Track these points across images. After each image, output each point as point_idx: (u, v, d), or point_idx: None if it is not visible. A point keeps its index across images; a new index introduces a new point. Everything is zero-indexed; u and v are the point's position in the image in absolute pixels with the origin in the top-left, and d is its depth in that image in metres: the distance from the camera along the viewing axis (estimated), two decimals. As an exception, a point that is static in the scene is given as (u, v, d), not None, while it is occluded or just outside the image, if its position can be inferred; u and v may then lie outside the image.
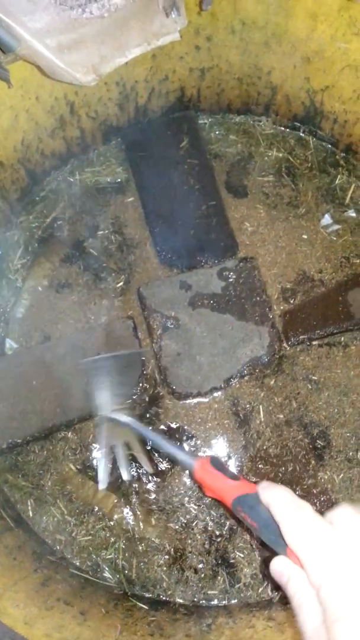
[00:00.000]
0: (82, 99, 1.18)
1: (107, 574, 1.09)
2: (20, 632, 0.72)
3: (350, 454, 1.15)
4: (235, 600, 1.07)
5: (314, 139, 1.37)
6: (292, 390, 1.19)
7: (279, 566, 0.52)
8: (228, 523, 1.11)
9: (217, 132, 1.39)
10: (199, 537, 1.10)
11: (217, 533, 1.10)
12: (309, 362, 1.21)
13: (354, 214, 1.33)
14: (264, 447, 1.15)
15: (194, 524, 1.11)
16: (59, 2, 0.80)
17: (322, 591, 0.46)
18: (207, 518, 1.11)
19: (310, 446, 1.15)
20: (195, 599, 1.07)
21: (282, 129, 1.38)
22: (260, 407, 1.18)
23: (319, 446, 1.15)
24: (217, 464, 0.68)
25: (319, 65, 1.15)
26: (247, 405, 1.18)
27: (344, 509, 0.50)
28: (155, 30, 0.84)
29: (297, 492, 1.12)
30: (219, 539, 1.10)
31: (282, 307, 1.27)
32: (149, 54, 1.16)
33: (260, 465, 1.15)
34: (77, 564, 1.09)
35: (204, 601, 1.07)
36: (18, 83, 1.03)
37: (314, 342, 1.24)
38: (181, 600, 1.07)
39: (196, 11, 1.06)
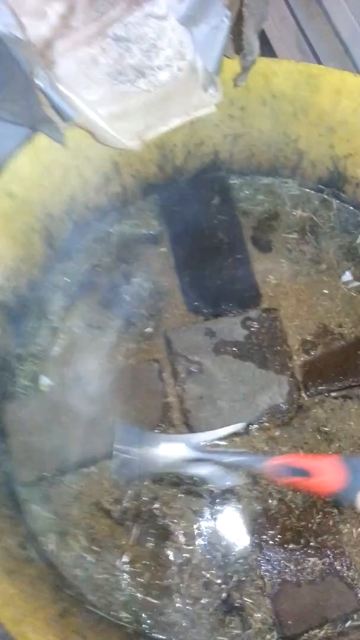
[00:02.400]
0: (126, 160, 1.26)
1: (121, 614, 1.08)
2: (38, 660, 0.72)
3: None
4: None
5: (337, 201, 1.42)
6: (299, 440, 1.19)
7: None
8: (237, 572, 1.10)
9: (246, 192, 1.46)
10: (216, 580, 1.09)
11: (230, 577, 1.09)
12: (321, 414, 1.22)
13: (374, 272, 1.36)
14: (280, 498, 1.15)
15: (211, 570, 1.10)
16: (112, 77, 0.88)
17: None
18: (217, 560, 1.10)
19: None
20: (207, 644, 1.05)
21: (308, 190, 1.44)
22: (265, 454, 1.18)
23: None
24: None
25: (342, 134, 1.21)
26: None
27: None
28: (194, 104, 0.91)
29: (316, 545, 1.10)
30: (230, 584, 1.09)
31: (302, 358, 1.28)
32: (187, 121, 1.24)
33: (282, 514, 1.14)
34: (93, 600, 1.08)
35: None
36: (70, 144, 1.12)
37: (332, 394, 1.24)
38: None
39: (231, 85, 1.14)
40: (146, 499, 1.15)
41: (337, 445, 1.18)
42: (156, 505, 1.15)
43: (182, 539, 1.12)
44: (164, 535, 1.12)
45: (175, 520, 1.14)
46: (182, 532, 1.13)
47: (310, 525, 1.12)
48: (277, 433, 1.20)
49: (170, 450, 0.93)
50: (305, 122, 1.22)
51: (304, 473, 0.66)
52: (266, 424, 1.21)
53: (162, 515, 1.14)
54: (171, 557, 1.11)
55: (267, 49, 1.87)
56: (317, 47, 1.80)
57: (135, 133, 0.90)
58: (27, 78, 0.78)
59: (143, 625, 1.07)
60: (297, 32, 1.89)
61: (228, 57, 0.95)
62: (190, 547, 1.11)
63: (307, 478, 0.66)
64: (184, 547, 1.11)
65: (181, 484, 1.16)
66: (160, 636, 1.05)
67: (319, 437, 1.19)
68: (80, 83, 0.86)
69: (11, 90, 0.82)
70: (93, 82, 0.86)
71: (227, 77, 1.11)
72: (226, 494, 1.15)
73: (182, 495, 1.15)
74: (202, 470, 0.96)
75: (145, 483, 1.16)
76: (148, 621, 1.07)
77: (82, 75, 0.87)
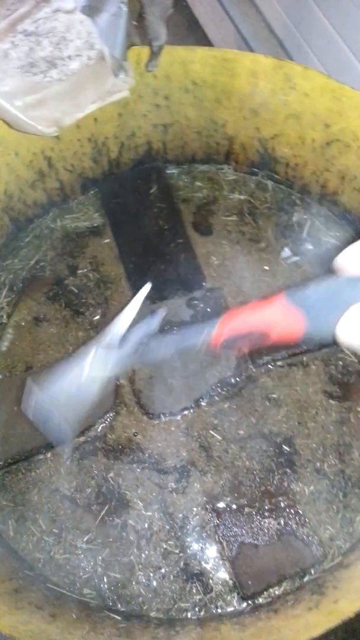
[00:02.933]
0: (58, 154, 1.31)
1: (85, 591, 1.10)
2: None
3: (318, 464, 1.18)
4: (207, 614, 1.07)
5: (272, 183, 1.48)
6: (249, 408, 1.24)
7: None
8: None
9: (184, 180, 1.51)
10: (174, 551, 1.12)
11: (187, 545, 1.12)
12: (269, 382, 1.27)
13: (311, 247, 1.42)
14: (227, 463, 1.19)
15: (168, 539, 1.13)
16: (24, 70, 0.93)
17: None
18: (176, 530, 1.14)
19: (277, 451, 1.19)
20: (170, 613, 1.08)
21: (243, 175, 1.50)
22: (218, 428, 1.22)
23: (285, 452, 1.19)
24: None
25: (265, 116, 1.27)
26: (204, 429, 1.23)
27: None
28: (108, 89, 0.97)
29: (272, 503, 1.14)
30: (188, 552, 1.12)
31: (247, 332, 1.33)
32: (115, 112, 1.30)
33: (238, 481, 1.18)
34: (55, 580, 1.11)
35: (176, 613, 1.07)
36: (-4, 140, 1.17)
37: (278, 363, 1.29)
38: (155, 614, 1.08)
39: (153, 75, 1.20)
40: (103, 474, 1.19)
41: (285, 409, 1.23)
42: (114, 479, 1.18)
43: (140, 509, 1.15)
44: (123, 507, 1.15)
45: (134, 492, 1.16)
46: (140, 502, 1.16)
47: (266, 488, 1.17)
48: (226, 405, 1.25)
49: (93, 371, 0.83)
50: (228, 107, 1.29)
51: (257, 334, 0.56)
52: (216, 398, 1.26)
53: (120, 487, 1.17)
54: (130, 530, 1.14)
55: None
56: (253, 45, 1.89)
57: (51, 120, 0.95)
58: None
59: (106, 600, 1.09)
60: (235, 32, 1.98)
61: (136, 45, 1.01)
62: (149, 515, 1.15)
63: (263, 338, 0.56)
64: (143, 514, 1.14)
65: (140, 460, 1.20)
66: (123, 608, 1.08)
67: (268, 404, 1.24)
68: (-5, 76, 0.91)
69: None
70: (6, 75, 0.91)
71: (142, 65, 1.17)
72: (185, 465, 1.19)
73: (139, 469, 1.19)
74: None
75: (102, 459, 1.20)
76: (111, 595, 1.10)
77: (-4, 68, 0.92)
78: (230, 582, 1.10)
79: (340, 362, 1.28)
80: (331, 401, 1.24)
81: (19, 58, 0.91)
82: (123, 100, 1.26)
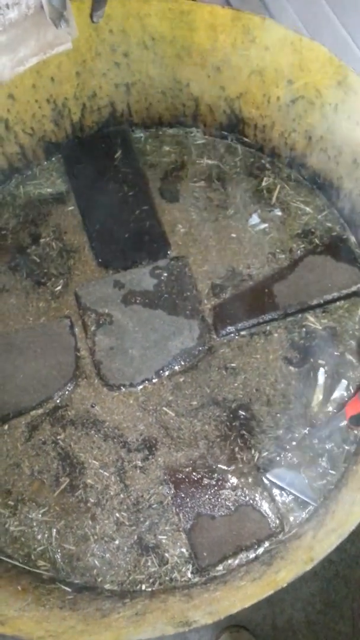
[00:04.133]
0: (16, 116, 1.26)
1: (39, 563, 1.10)
2: None
3: (280, 432, 1.17)
4: (161, 586, 1.07)
5: (242, 146, 1.43)
6: (204, 379, 1.22)
7: None
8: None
9: (152, 145, 1.46)
10: (130, 521, 1.11)
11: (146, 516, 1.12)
12: (228, 352, 1.24)
13: (279, 213, 1.38)
14: (183, 436, 1.18)
15: (125, 508, 1.12)
16: None
17: None
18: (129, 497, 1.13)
19: (232, 416, 1.17)
20: (124, 585, 1.07)
21: (212, 138, 1.45)
22: (172, 402, 1.21)
23: (242, 416, 1.17)
24: None
25: (228, 73, 1.22)
26: (155, 404, 1.21)
27: None
28: (50, 41, 0.92)
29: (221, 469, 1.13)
30: (142, 527, 1.11)
31: (212, 302, 1.30)
32: (72, 71, 1.25)
33: (195, 452, 1.16)
34: (9, 552, 1.10)
35: (130, 586, 1.07)
36: None
37: (242, 332, 1.27)
38: (109, 586, 1.08)
39: (108, 29, 1.15)
40: (61, 445, 1.17)
41: (243, 377, 1.21)
42: (71, 449, 1.16)
43: (97, 470, 1.14)
44: (80, 474, 1.14)
45: (91, 459, 1.15)
46: (97, 464, 1.15)
47: (222, 457, 1.15)
48: (182, 379, 1.23)
49: None
50: (190, 64, 1.23)
51: None
52: (176, 368, 1.23)
53: (77, 456, 1.16)
54: (88, 496, 1.13)
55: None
56: (236, 4, 1.81)
57: (-10, 73, 0.91)
58: None
59: (60, 572, 1.09)
60: None
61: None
62: (106, 475, 1.14)
63: None
64: (100, 474, 1.14)
65: (98, 431, 1.19)
66: (77, 580, 1.08)
67: (225, 373, 1.22)
68: None
69: None
70: None
71: (102, 24, 1.13)
72: (143, 438, 1.18)
73: (97, 439, 1.18)
74: None
75: (59, 431, 1.19)
76: (65, 568, 1.09)
77: None
78: (186, 553, 1.09)
79: (304, 329, 1.26)
80: (290, 367, 1.22)
81: None
82: (80, 57, 1.21)
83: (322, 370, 1.21)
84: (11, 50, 0.91)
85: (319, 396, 1.19)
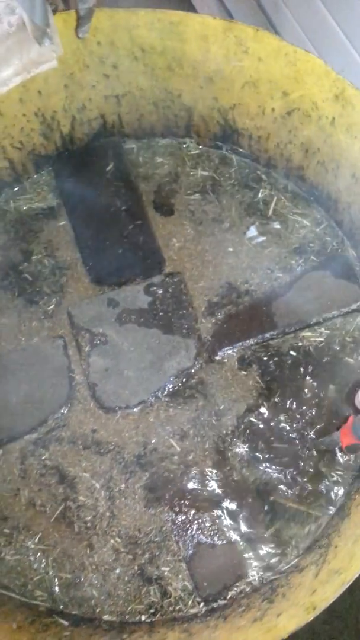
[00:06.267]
0: (3, 131, 1.20)
1: (36, 593, 1.06)
2: None
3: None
4: (162, 617, 1.03)
5: (237, 157, 1.37)
6: (201, 401, 1.18)
7: None
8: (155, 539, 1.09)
9: (144, 156, 1.40)
10: (128, 554, 1.08)
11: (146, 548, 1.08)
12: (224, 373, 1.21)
13: (278, 226, 1.32)
14: (181, 458, 1.14)
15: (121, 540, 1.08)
16: None
17: None
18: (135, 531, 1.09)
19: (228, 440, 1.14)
20: (123, 616, 1.04)
21: (207, 148, 1.39)
22: (172, 422, 1.17)
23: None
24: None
25: (221, 84, 1.16)
26: (161, 425, 1.17)
27: None
28: (34, 59, 0.87)
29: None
30: (146, 555, 1.08)
31: (209, 320, 1.25)
32: (60, 84, 1.18)
33: (193, 485, 1.13)
34: (6, 582, 1.07)
35: (129, 616, 1.03)
36: None
37: (235, 351, 1.22)
38: (108, 617, 1.04)
39: (96, 42, 1.09)
40: (57, 469, 1.14)
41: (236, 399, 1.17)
42: (69, 474, 1.13)
43: (93, 502, 1.10)
44: (74, 496, 1.11)
45: (89, 486, 1.11)
46: (93, 496, 1.11)
47: (227, 480, 1.12)
48: (178, 400, 1.19)
49: None
50: (182, 75, 1.17)
51: None
52: (174, 389, 1.19)
53: (75, 481, 1.12)
54: (80, 524, 1.10)
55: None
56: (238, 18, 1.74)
57: (-29, 95, 0.86)
58: None
59: (57, 603, 1.05)
60: (219, 5, 1.83)
61: (61, 9, 0.90)
62: (100, 504, 1.10)
63: None
64: (94, 506, 1.10)
65: (97, 451, 1.15)
66: (75, 611, 1.04)
67: (222, 394, 1.18)
68: None
69: None
70: None
71: (89, 36, 1.07)
72: (141, 459, 1.14)
73: (96, 464, 1.14)
74: None
75: (54, 455, 1.15)
76: (63, 598, 1.05)
77: None
78: (189, 586, 1.05)
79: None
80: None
81: None
82: (68, 70, 1.15)
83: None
84: (-7, 71, 0.86)
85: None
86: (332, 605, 1.46)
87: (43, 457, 1.16)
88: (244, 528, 1.08)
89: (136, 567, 1.06)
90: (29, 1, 0.79)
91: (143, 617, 1.03)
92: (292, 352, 1.20)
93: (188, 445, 1.15)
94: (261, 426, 1.16)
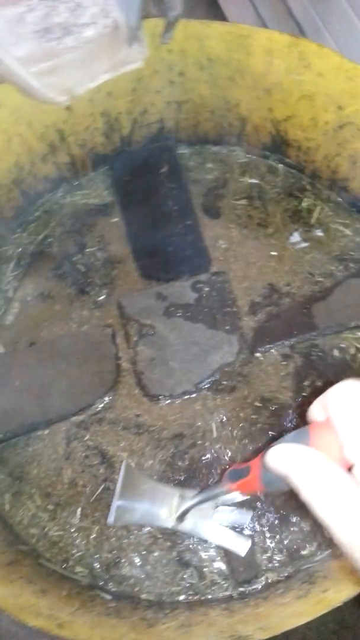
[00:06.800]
0: (71, 128, 1.28)
1: (77, 569, 1.09)
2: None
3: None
4: (199, 598, 1.06)
5: (283, 167, 1.45)
6: (246, 395, 1.23)
7: (283, 451, 0.41)
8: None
9: (195, 161, 1.48)
10: (167, 537, 1.11)
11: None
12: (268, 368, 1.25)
13: (320, 233, 1.39)
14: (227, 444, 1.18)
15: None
16: (39, 35, 0.90)
17: None
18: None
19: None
20: (162, 597, 1.07)
21: (254, 157, 1.47)
22: (214, 414, 1.21)
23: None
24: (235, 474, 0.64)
25: (279, 96, 1.23)
26: (203, 415, 1.22)
27: None
28: (122, 59, 0.94)
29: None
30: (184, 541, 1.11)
31: (251, 318, 1.31)
32: (129, 87, 1.26)
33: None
34: (48, 556, 1.10)
35: (167, 597, 1.06)
36: (10, 109, 1.14)
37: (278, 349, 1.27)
38: (146, 596, 1.07)
39: (168, 49, 1.17)
40: (101, 450, 1.18)
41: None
42: (111, 454, 1.17)
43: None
44: (110, 470, 1.14)
45: (120, 458, 1.15)
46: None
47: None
48: (226, 390, 1.23)
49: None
50: (242, 86, 1.25)
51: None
52: (216, 382, 1.24)
53: (118, 461, 1.16)
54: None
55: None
56: (271, 27, 1.84)
57: (64, 89, 0.91)
58: None
59: (98, 580, 1.08)
60: (254, 13, 1.94)
61: (152, 15, 0.98)
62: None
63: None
64: None
65: (140, 437, 1.19)
66: (114, 589, 1.07)
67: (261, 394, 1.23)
68: (8, 40, 0.88)
69: None
70: (20, 39, 0.88)
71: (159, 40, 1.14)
72: (184, 448, 1.18)
73: (139, 447, 1.18)
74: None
75: (100, 436, 1.19)
76: (103, 575, 1.09)
77: (9, 32, 0.89)
78: (224, 568, 1.09)
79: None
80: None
81: (34, 23, 0.88)
82: (137, 74, 1.23)
83: None
84: (85, 67, 0.92)
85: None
86: (342, 616, 1.49)
87: (86, 439, 1.20)
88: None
89: (174, 553, 1.09)
90: (127, 5, 0.86)
91: (181, 597, 1.06)
92: (335, 352, 1.24)
93: (225, 434, 1.18)
94: (300, 421, 1.20)
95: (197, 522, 1.04)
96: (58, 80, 0.91)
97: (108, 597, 1.01)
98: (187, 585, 1.07)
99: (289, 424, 1.20)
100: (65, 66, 0.91)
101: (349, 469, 0.37)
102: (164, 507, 1.04)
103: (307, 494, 0.36)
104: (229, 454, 1.16)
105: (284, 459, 0.40)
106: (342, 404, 0.40)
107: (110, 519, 1.02)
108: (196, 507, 0.93)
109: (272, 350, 1.26)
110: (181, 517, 1.00)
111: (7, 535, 1.07)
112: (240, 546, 1.05)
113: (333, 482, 0.36)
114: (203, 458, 1.16)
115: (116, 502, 1.02)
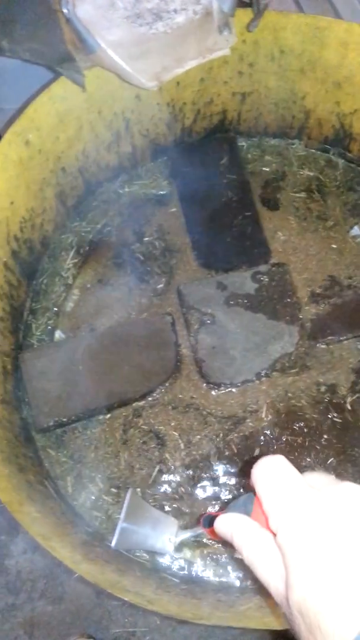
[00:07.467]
0: (137, 117, 1.28)
1: (139, 552, 1.10)
2: (70, 566, 0.74)
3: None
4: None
5: (343, 161, 1.44)
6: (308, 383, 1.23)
7: (227, 519, 0.48)
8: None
9: (254, 153, 1.48)
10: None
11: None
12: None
13: (380, 228, 1.39)
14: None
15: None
16: (130, 20, 0.91)
17: (282, 533, 0.41)
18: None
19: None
20: (224, 579, 1.07)
21: (313, 151, 1.47)
22: (275, 401, 1.21)
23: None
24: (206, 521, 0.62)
25: (348, 90, 1.24)
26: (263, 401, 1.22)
27: (320, 473, 0.47)
28: (210, 46, 0.94)
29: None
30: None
31: (311, 309, 1.31)
32: (197, 77, 1.27)
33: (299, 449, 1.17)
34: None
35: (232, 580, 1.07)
36: (84, 96, 1.15)
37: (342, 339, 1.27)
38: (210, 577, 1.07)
39: (241, 39, 1.17)
40: (160, 434, 1.18)
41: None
42: (171, 437, 1.18)
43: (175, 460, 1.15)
44: (164, 452, 1.16)
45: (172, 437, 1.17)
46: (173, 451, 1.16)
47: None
48: (287, 380, 1.24)
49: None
50: (312, 78, 1.25)
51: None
52: (274, 373, 1.24)
53: (168, 437, 1.18)
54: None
55: None
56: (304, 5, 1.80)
57: (153, 74, 0.92)
58: (50, 11, 0.82)
59: (160, 565, 1.09)
60: None
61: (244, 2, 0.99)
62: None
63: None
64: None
65: (200, 420, 1.20)
66: (181, 572, 1.07)
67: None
68: (100, 25, 0.89)
69: (33, 25, 0.85)
70: (112, 24, 0.89)
71: (237, 31, 1.15)
72: (244, 432, 1.18)
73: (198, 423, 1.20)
74: None
75: (159, 420, 1.20)
76: (164, 561, 1.09)
77: (101, 17, 0.90)
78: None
79: None
80: None
81: (125, 8, 0.89)
82: (209, 65, 1.24)
83: None
84: (174, 53, 0.93)
85: None
86: None
87: (141, 424, 1.20)
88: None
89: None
90: (223, -8, 0.87)
91: (242, 583, 1.06)
92: None
93: (273, 420, 1.18)
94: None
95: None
96: (148, 65, 0.92)
97: (176, 580, 1.02)
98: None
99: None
100: (155, 51, 0.92)
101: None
102: (164, 535, 1.05)
103: (243, 555, 0.45)
104: (275, 436, 1.17)
105: (226, 526, 0.47)
106: (265, 479, 0.45)
107: (114, 542, 1.03)
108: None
109: (335, 343, 1.26)
110: (179, 547, 1.06)
111: (73, 516, 1.07)
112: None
113: (260, 547, 0.43)
114: (250, 441, 1.17)
115: (120, 525, 1.04)
